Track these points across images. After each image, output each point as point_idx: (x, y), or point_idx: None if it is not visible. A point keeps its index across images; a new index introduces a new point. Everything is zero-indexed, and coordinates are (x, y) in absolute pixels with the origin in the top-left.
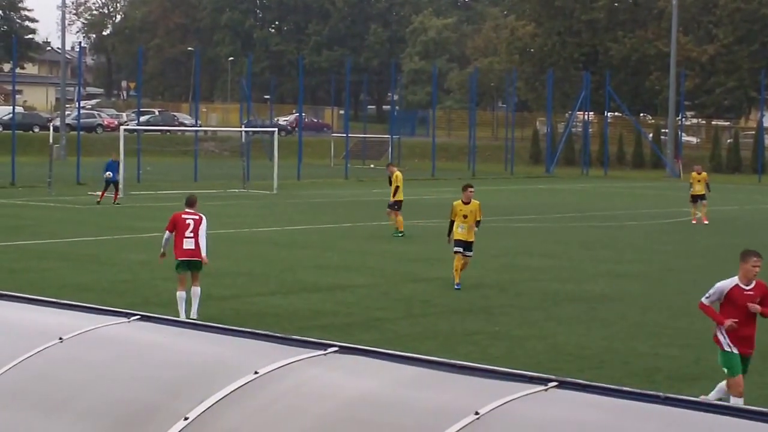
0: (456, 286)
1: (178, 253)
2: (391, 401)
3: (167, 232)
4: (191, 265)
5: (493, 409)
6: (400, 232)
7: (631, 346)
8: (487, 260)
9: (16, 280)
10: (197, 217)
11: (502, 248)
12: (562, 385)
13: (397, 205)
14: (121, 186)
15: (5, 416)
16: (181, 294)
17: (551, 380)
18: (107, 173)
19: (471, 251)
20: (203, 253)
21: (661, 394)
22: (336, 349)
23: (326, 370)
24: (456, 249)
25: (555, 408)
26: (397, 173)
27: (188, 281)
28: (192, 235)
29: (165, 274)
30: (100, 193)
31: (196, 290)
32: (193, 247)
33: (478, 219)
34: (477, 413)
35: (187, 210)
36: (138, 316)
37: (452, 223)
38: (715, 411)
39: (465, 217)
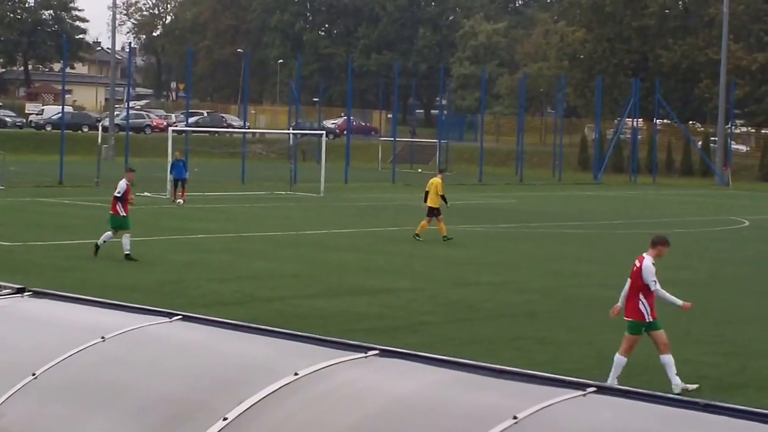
0: None
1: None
2: (429, 405)
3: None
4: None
5: (532, 413)
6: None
7: (676, 353)
8: (533, 265)
9: (63, 279)
10: (638, 264)
11: (549, 254)
12: (601, 390)
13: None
14: (168, 187)
15: (48, 412)
16: (619, 359)
17: (590, 385)
18: (171, 173)
19: None
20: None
21: (700, 400)
22: (376, 352)
23: (366, 372)
24: None
25: (593, 413)
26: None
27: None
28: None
29: (211, 275)
30: (173, 195)
31: (666, 360)
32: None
33: None
34: (515, 417)
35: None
36: (180, 316)
37: None
38: (756, 419)
39: None
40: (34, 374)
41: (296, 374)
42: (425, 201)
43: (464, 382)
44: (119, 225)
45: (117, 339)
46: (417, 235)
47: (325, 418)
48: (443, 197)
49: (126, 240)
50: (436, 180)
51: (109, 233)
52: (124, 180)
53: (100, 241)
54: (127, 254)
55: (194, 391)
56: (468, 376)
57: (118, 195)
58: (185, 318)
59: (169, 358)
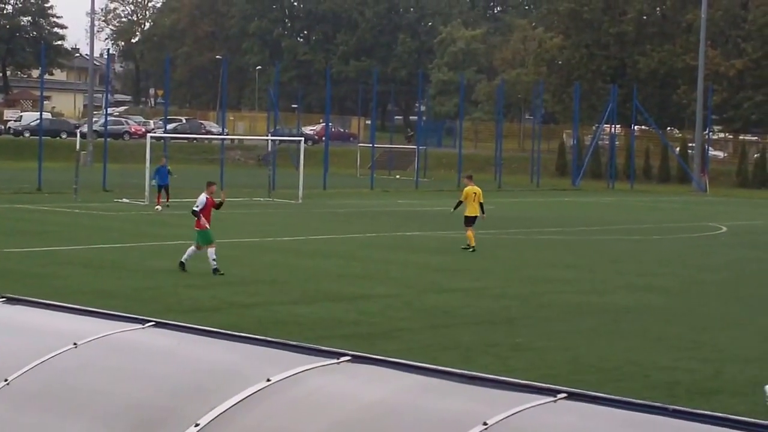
0: None
1: None
2: (400, 411)
3: None
4: None
5: (502, 419)
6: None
7: (652, 359)
8: (510, 272)
9: (41, 286)
10: None
11: (526, 260)
12: (572, 396)
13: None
14: (147, 193)
15: (20, 418)
16: None
17: (561, 391)
18: (154, 180)
19: None
20: None
21: (669, 406)
22: (349, 358)
23: (338, 378)
24: None
25: (564, 419)
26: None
27: None
28: None
29: (188, 281)
30: (156, 201)
31: None
32: None
33: None
34: (485, 423)
35: None
36: (152, 323)
37: None
38: (724, 424)
39: None
40: (6, 380)
41: (268, 380)
42: (455, 208)
43: (435, 388)
44: (207, 240)
45: (89, 345)
46: (473, 248)
47: (297, 424)
48: (482, 206)
49: (211, 252)
50: (478, 189)
51: (193, 248)
52: (204, 194)
53: (183, 258)
54: (215, 268)
55: (166, 397)
56: (439, 382)
57: (197, 209)
58: (158, 324)
59: (141, 365)
